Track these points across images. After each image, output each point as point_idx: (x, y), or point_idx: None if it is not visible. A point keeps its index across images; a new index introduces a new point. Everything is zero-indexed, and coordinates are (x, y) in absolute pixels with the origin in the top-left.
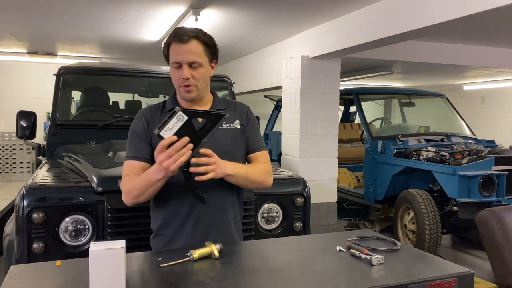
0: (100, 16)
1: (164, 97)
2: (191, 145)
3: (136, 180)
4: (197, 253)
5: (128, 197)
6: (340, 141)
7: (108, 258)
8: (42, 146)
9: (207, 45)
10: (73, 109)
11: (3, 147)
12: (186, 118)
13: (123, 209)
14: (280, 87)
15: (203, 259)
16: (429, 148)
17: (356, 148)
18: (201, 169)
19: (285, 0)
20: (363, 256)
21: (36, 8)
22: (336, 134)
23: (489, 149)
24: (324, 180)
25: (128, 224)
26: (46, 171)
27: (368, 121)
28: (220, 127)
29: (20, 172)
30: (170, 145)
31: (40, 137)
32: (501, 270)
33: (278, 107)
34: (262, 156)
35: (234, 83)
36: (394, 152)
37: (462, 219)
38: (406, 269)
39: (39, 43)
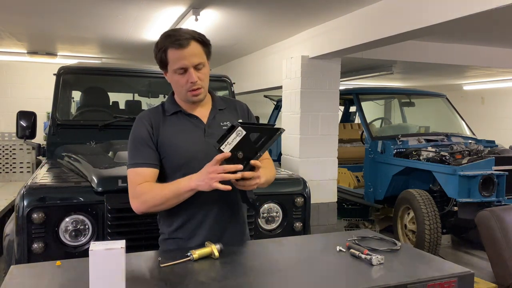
0: (100, 16)
1: (164, 97)
2: (240, 167)
3: (159, 189)
4: (197, 253)
5: (145, 206)
6: (340, 141)
7: (108, 258)
8: (42, 146)
9: (204, 44)
10: (73, 109)
11: (3, 147)
12: (244, 133)
13: (123, 209)
14: (280, 87)
15: (203, 259)
16: (429, 148)
17: (356, 148)
18: (247, 183)
19: (285, 0)
20: (363, 256)
21: (36, 8)
22: (336, 134)
23: (489, 149)
24: (324, 180)
25: (128, 224)
26: (46, 171)
27: (368, 121)
28: (224, 127)
29: (20, 172)
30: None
31: (40, 137)
32: (501, 270)
33: (278, 107)
34: (265, 153)
35: (234, 83)
36: (394, 152)
37: (462, 219)
38: (406, 269)
39: (39, 43)
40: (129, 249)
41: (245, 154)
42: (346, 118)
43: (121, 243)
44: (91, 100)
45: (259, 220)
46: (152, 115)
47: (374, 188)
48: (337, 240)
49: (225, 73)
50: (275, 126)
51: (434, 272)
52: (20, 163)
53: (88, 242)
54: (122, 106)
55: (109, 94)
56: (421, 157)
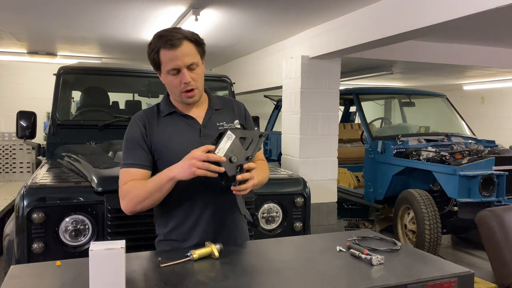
0: (100, 16)
1: None
2: (223, 159)
3: (141, 184)
4: (197, 253)
5: (132, 204)
6: (340, 141)
7: (108, 258)
8: (42, 146)
9: (197, 43)
10: (73, 109)
11: (3, 147)
12: (234, 137)
13: None
14: (280, 87)
15: (203, 259)
16: (429, 148)
17: (356, 148)
18: (242, 187)
19: (285, 0)
20: (363, 256)
21: (36, 8)
22: (336, 134)
23: (489, 149)
24: (324, 180)
25: (128, 224)
26: (46, 171)
27: (368, 121)
28: (220, 128)
29: (20, 172)
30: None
31: (40, 137)
32: (501, 270)
33: (278, 107)
34: (260, 154)
35: (234, 83)
36: (394, 152)
37: (462, 219)
38: (406, 269)
39: (39, 43)
40: (129, 249)
41: (237, 158)
42: (346, 118)
43: (121, 243)
44: (91, 100)
45: (259, 220)
46: (146, 116)
47: (374, 188)
48: (337, 240)
49: (225, 73)
50: (260, 132)
51: (434, 272)
52: (20, 163)
53: (88, 242)
54: (122, 106)
55: (109, 94)
56: (421, 157)
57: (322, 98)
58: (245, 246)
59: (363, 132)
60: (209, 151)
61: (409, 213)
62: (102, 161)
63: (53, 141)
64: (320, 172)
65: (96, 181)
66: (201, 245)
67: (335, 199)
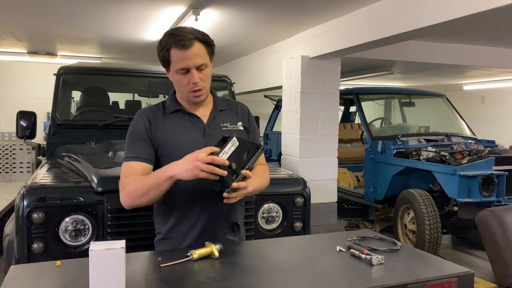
0: (100, 16)
1: (164, 97)
2: (225, 172)
3: (140, 179)
4: (197, 253)
5: (130, 198)
6: (340, 141)
7: (108, 258)
8: (42, 146)
9: (207, 44)
10: (73, 109)
11: (3, 147)
12: (237, 143)
13: (123, 209)
14: (280, 87)
15: (203, 259)
16: (429, 148)
17: (356, 148)
18: (233, 194)
19: (285, 0)
20: (363, 256)
21: (36, 8)
22: (336, 134)
23: (489, 149)
24: (324, 180)
25: (128, 224)
26: (46, 171)
27: (368, 121)
28: (224, 128)
29: (20, 172)
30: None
31: (40, 137)
32: (501, 270)
33: (278, 107)
34: (261, 158)
35: (234, 83)
36: (394, 152)
37: (462, 219)
38: (406, 269)
39: (39, 43)
40: (129, 249)
41: (236, 166)
42: (346, 118)
43: (121, 243)
44: (91, 100)
45: (259, 220)
46: (152, 112)
47: (374, 188)
48: (337, 240)
49: (225, 73)
50: (259, 144)
51: (434, 272)
52: (20, 163)
53: (88, 242)
54: (122, 106)
55: (109, 94)
56: (421, 157)
57: (322, 98)
58: (245, 246)
59: (363, 132)
60: (212, 153)
61: (409, 213)
62: (102, 161)
63: (53, 141)
64: (320, 172)
65: (96, 181)
66: (200, 245)
67: (335, 199)
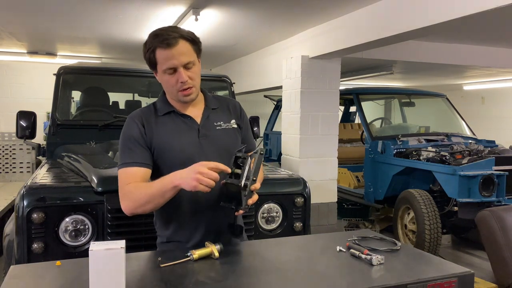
0: (100, 16)
1: None
2: (228, 170)
3: (144, 187)
4: (197, 253)
5: (133, 206)
6: (340, 141)
7: (108, 258)
8: (42, 146)
9: (193, 42)
10: (73, 109)
11: (3, 147)
12: (250, 160)
13: None
14: (280, 87)
15: (203, 259)
16: (429, 148)
17: (356, 148)
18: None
19: (285, 0)
20: (363, 256)
21: (36, 8)
22: (336, 134)
23: (489, 149)
24: (324, 180)
25: (128, 224)
26: (46, 171)
27: (368, 121)
28: (218, 128)
29: (20, 172)
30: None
31: (40, 137)
32: (501, 270)
33: (278, 107)
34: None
35: (234, 83)
36: (394, 152)
37: (462, 219)
38: (406, 269)
39: (39, 43)
40: (129, 249)
41: (249, 183)
42: (346, 118)
43: (121, 243)
44: (91, 100)
45: (259, 220)
46: (144, 115)
47: (374, 188)
48: (337, 240)
49: (225, 73)
50: (260, 152)
51: (434, 272)
52: (20, 163)
53: (88, 242)
54: (122, 106)
55: (109, 94)
56: (421, 157)
57: (322, 98)
58: (245, 246)
59: (363, 132)
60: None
61: (409, 213)
62: (102, 161)
63: (53, 141)
64: (320, 172)
65: (96, 181)
66: (201, 245)
67: (335, 199)
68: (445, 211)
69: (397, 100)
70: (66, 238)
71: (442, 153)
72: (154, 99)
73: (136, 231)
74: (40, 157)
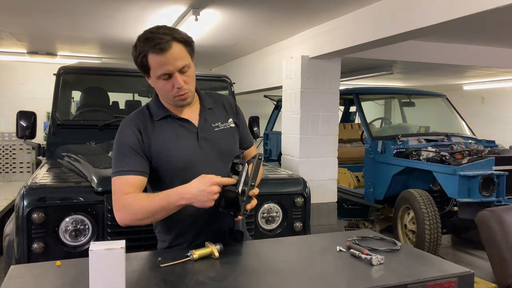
0: (100, 16)
1: None
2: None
3: (145, 201)
4: (197, 253)
5: (131, 218)
6: (340, 141)
7: (108, 258)
8: (42, 146)
9: (186, 43)
10: (73, 109)
11: (3, 147)
12: (247, 167)
13: None
14: (280, 87)
15: (203, 259)
16: (429, 148)
17: (356, 148)
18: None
19: (285, 0)
20: (363, 256)
21: (36, 8)
22: (336, 134)
23: (489, 149)
24: (324, 180)
25: None
26: (46, 171)
27: (368, 121)
28: (216, 129)
29: (20, 172)
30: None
31: (40, 137)
32: (501, 270)
33: (278, 107)
34: (254, 150)
35: (234, 83)
36: (394, 152)
37: (462, 219)
38: (406, 269)
39: (39, 43)
40: (129, 249)
41: (247, 189)
42: (346, 118)
43: (121, 243)
44: (91, 100)
45: (259, 220)
46: (139, 120)
47: (374, 188)
48: (337, 240)
49: (225, 73)
50: (259, 157)
51: (434, 272)
52: (20, 163)
53: (88, 242)
54: (122, 106)
55: (109, 94)
56: (421, 157)
57: (322, 98)
58: (245, 246)
59: (363, 132)
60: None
61: (409, 213)
62: (102, 161)
63: (53, 141)
64: (320, 172)
65: (96, 181)
66: (201, 245)
67: (335, 199)
68: (445, 211)
69: (397, 100)
70: (66, 238)
71: (442, 153)
72: None
73: (136, 231)
74: (40, 157)
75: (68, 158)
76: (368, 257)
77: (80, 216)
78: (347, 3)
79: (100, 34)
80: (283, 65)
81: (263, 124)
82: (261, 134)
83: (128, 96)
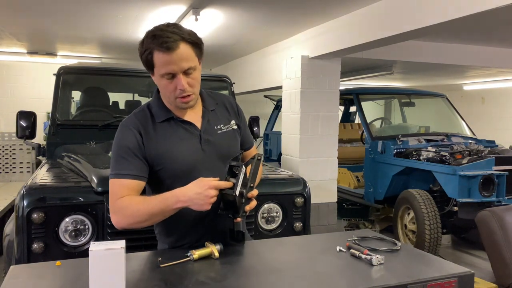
0: (100, 16)
1: None
2: (230, 184)
3: (142, 204)
4: (197, 253)
5: (127, 221)
6: (340, 141)
7: (108, 258)
8: (42, 146)
9: (195, 44)
10: (73, 109)
11: (3, 147)
12: (245, 169)
13: None
14: (280, 87)
15: (203, 259)
16: (429, 148)
17: (356, 148)
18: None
19: (285, 0)
20: (363, 256)
21: (36, 8)
22: (336, 134)
23: (489, 149)
24: (324, 180)
25: None
26: (46, 171)
27: (368, 121)
28: (219, 132)
29: (20, 172)
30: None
31: (40, 137)
32: (501, 270)
33: (278, 107)
34: (254, 151)
35: (234, 83)
36: (394, 152)
37: (462, 219)
38: (406, 269)
39: (39, 43)
40: (129, 249)
41: (246, 191)
42: (346, 118)
43: (121, 243)
44: (91, 100)
45: (259, 220)
46: (140, 122)
47: (374, 188)
48: (337, 240)
49: (225, 73)
50: (258, 158)
51: (434, 272)
52: (20, 163)
53: (88, 242)
54: (122, 106)
55: (109, 94)
56: (421, 157)
57: (322, 98)
58: (245, 246)
59: (363, 132)
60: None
61: (409, 213)
62: (102, 161)
63: (53, 141)
64: (320, 172)
65: (96, 181)
66: (201, 245)
67: (335, 199)
68: (445, 211)
69: (397, 100)
70: (66, 238)
71: (442, 153)
72: None
73: (136, 231)
74: (40, 157)
75: (68, 158)
76: (368, 257)
77: (80, 216)
78: (347, 3)
79: (100, 34)
80: (283, 65)
81: (263, 124)
82: (261, 134)
83: (128, 96)
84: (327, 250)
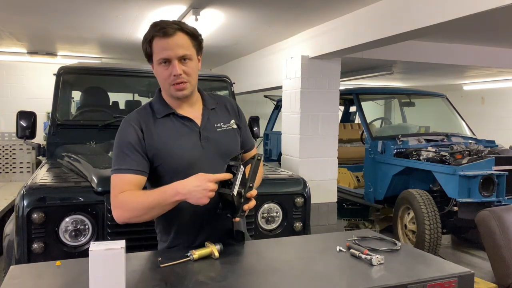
0: (100, 16)
1: None
2: (230, 175)
3: (142, 197)
4: (197, 253)
5: (128, 215)
6: (340, 141)
7: (108, 258)
8: (42, 146)
9: (193, 36)
10: (73, 109)
11: (3, 147)
12: (243, 169)
13: None
14: (280, 87)
15: (203, 259)
16: (429, 148)
17: (356, 148)
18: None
19: (285, 0)
20: (363, 256)
21: (36, 8)
22: (336, 134)
23: (489, 149)
24: (324, 180)
25: (128, 224)
26: (46, 171)
27: (368, 121)
28: (219, 129)
29: (20, 172)
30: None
31: (40, 137)
32: (501, 270)
33: (278, 107)
34: (254, 152)
35: (234, 83)
36: (394, 152)
37: (462, 219)
38: (406, 269)
39: (39, 43)
40: (129, 249)
41: (244, 190)
42: (346, 118)
43: (121, 243)
44: (91, 100)
45: (259, 220)
46: (141, 118)
47: (374, 188)
48: (337, 240)
49: (225, 73)
50: (258, 158)
51: (434, 272)
52: (20, 163)
53: (88, 242)
54: (122, 106)
55: (109, 94)
56: (421, 157)
57: (322, 98)
58: (245, 246)
59: (363, 132)
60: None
61: (409, 213)
62: (102, 161)
63: (53, 141)
64: (320, 172)
65: (96, 181)
66: (201, 245)
67: (335, 199)
68: (445, 211)
69: (397, 100)
70: (66, 238)
71: (442, 153)
72: None
73: (136, 231)
74: (40, 157)
75: (68, 158)
76: (368, 257)
77: (80, 216)
78: (347, 3)
79: (100, 34)
80: (283, 65)
81: (263, 124)
82: (261, 134)
83: (128, 96)
84: (327, 250)
